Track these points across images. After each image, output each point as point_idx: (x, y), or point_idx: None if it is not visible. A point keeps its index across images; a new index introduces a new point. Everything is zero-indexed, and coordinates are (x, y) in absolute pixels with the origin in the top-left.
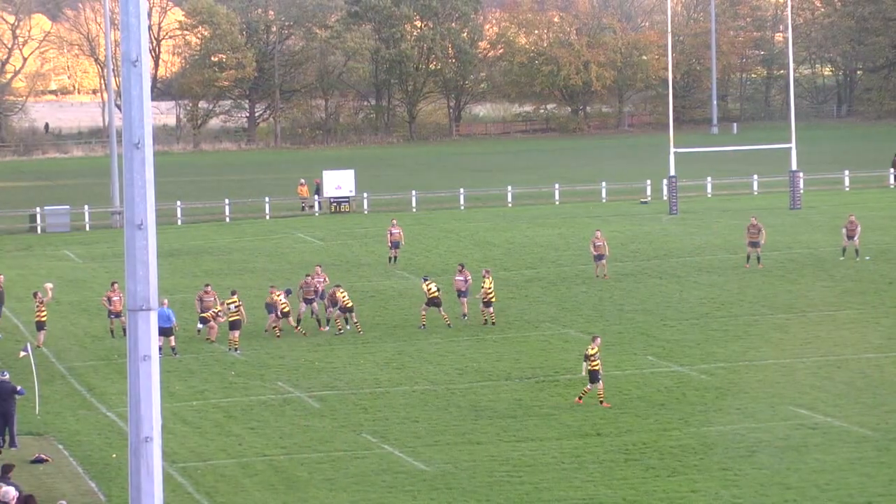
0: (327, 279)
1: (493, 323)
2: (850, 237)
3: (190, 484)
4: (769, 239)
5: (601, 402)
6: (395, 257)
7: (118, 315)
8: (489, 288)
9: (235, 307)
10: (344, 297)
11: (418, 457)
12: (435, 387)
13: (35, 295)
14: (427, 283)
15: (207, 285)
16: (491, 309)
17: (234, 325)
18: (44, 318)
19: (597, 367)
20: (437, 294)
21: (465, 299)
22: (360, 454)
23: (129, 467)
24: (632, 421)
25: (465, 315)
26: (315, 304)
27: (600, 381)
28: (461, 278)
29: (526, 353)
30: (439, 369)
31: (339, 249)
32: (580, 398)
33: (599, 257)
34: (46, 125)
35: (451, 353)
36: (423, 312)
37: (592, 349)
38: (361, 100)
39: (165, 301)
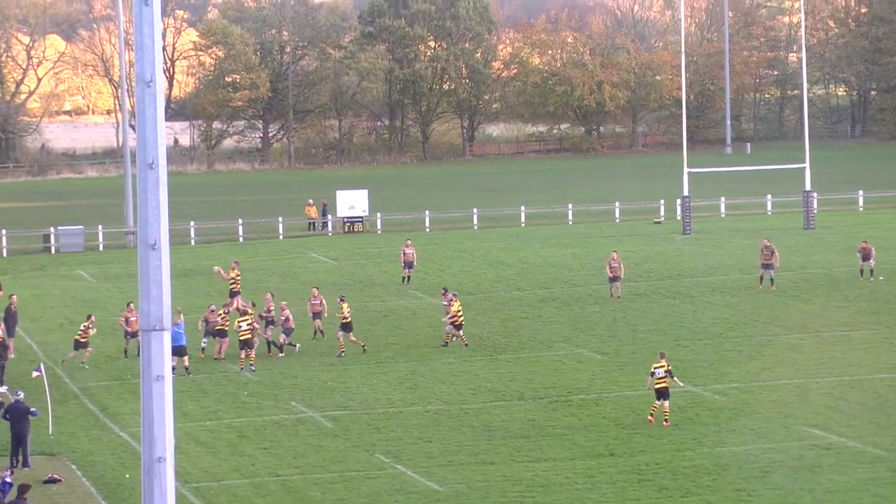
0: (324, 301)
1: (466, 344)
2: (866, 259)
3: None
4: (783, 259)
5: (665, 420)
6: (409, 277)
7: (135, 335)
8: (458, 311)
9: (248, 325)
10: (341, 313)
11: (431, 477)
12: (448, 407)
13: (88, 317)
14: (342, 302)
15: (211, 305)
16: (461, 332)
17: (246, 344)
18: (85, 340)
19: (664, 385)
20: (349, 319)
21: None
22: (373, 474)
23: (142, 487)
24: (645, 441)
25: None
26: (318, 321)
27: (666, 400)
28: (446, 302)
29: (539, 373)
30: (452, 389)
31: (352, 269)
32: (651, 416)
33: (614, 279)
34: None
35: (464, 373)
36: (340, 339)
37: (658, 366)
38: (375, 120)
39: (179, 320)
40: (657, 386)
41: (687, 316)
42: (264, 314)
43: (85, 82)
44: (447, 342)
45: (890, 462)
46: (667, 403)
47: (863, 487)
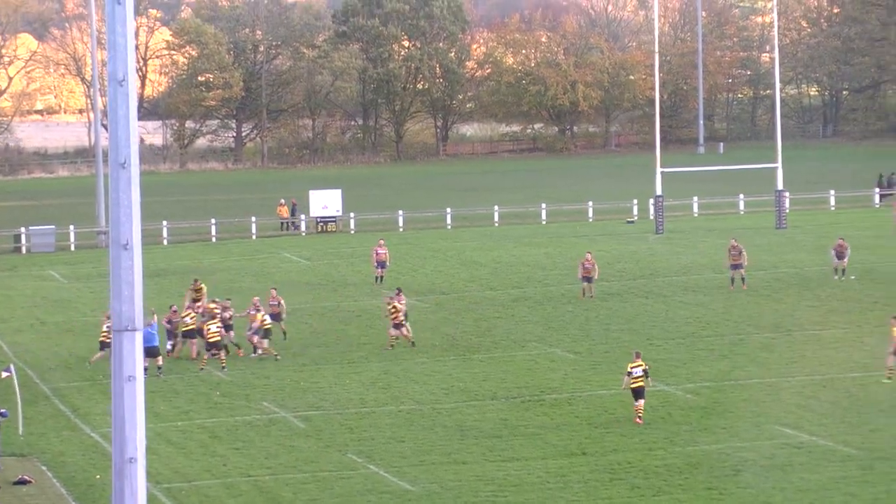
0: (282, 302)
1: (413, 343)
2: (840, 257)
3: None
4: (755, 258)
5: (637, 417)
6: (382, 277)
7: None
8: (398, 310)
9: (217, 328)
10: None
11: (404, 477)
12: (421, 406)
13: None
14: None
15: (173, 306)
16: (403, 330)
17: (215, 346)
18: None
19: (641, 384)
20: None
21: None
22: (345, 474)
23: (112, 488)
24: (617, 440)
25: (412, 343)
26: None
27: (642, 399)
28: (401, 303)
29: (512, 372)
30: (425, 389)
31: (325, 269)
32: (639, 418)
33: (588, 279)
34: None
35: (437, 373)
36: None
37: (635, 365)
38: (348, 119)
39: (152, 321)
40: (633, 385)
41: (660, 315)
42: (273, 305)
43: (57, 81)
44: (392, 345)
45: (860, 460)
46: (641, 402)
47: (833, 486)
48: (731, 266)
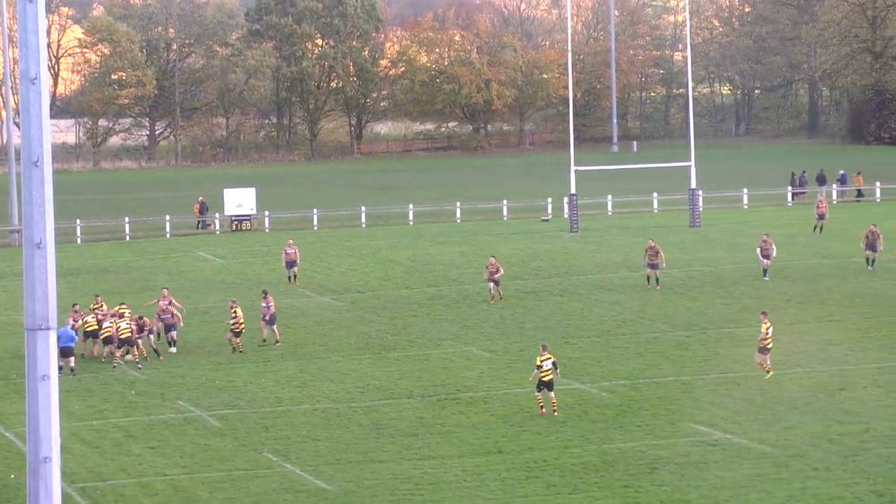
0: (174, 300)
1: (241, 351)
2: (766, 256)
3: None
4: (669, 256)
5: (553, 410)
6: (295, 276)
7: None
8: (241, 317)
9: (126, 325)
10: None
11: (320, 475)
12: (337, 405)
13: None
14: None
15: (75, 305)
16: (238, 339)
17: (126, 342)
18: (90, 329)
19: (550, 377)
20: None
21: (274, 326)
22: (261, 473)
23: (27, 488)
24: (533, 438)
25: (276, 342)
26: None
27: (551, 391)
28: (265, 305)
29: (428, 370)
30: (341, 387)
31: (240, 268)
32: (542, 408)
33: (494, 281)
34: None
35: (352, 372)
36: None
37: (545, 358)
38: (262, 118)
39: (69, 320)
40: (544, 378)
41: (575, 313)
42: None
43: None
44: (235, 349)
45: (775, 458)
46: (552, 394)
47: (748, 483)
48: (648, 265)
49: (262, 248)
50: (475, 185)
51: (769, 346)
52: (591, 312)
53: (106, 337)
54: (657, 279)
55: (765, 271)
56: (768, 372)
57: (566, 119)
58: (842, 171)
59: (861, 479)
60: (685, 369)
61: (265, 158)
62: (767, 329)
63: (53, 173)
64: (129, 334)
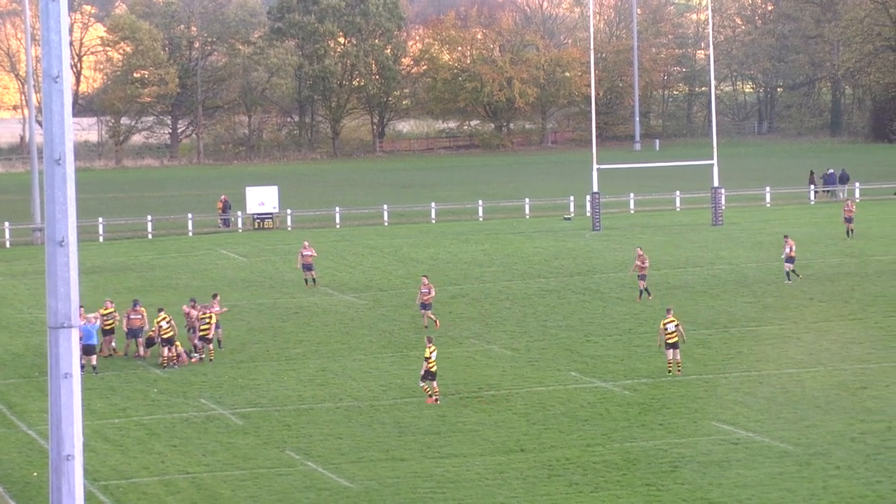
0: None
1: (211, 359)
2: (789, 260)
3: (112, 502)
4: (692, 254)
5: (432, 399)
6: (313, 279)
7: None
8: (207, 320)
9: (167, 324)
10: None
11: (342, 474)
12: (359, 403)
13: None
14: None
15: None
16: (209, 345)
17: (166, 342)
18: (108, 326)
19: (675, 339)
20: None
21: (220, 330)
22: (283, 471)
23: (50, 486)
24: (555, 437)
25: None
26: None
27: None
28: (216, 308)
29: (450, 369)
30: (363, 386)
31: (262, 266)
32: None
33: (425, 306)
34: None
35: (374, 370)
36: None
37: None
38: (284, 116)
39: (92, 317)
40: (668, 340)
41: (597, 312)
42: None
43: None
44: (201, 357)
45: (797, 456)
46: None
47: (770, 482)
48: (639, 276)
49: (284, 247)
50: (497, 183)
51: (674, 341)
52: (613, 311)
53: (148, 338)
54: (647, 290)
55: (788, 274)
56: None
57: (588, 117)
58: (830, 170)
59: (883, 478)
60: (707, 368)
61: (287, 157)
62: None
63: (76, 171)
64: (172, 333)
